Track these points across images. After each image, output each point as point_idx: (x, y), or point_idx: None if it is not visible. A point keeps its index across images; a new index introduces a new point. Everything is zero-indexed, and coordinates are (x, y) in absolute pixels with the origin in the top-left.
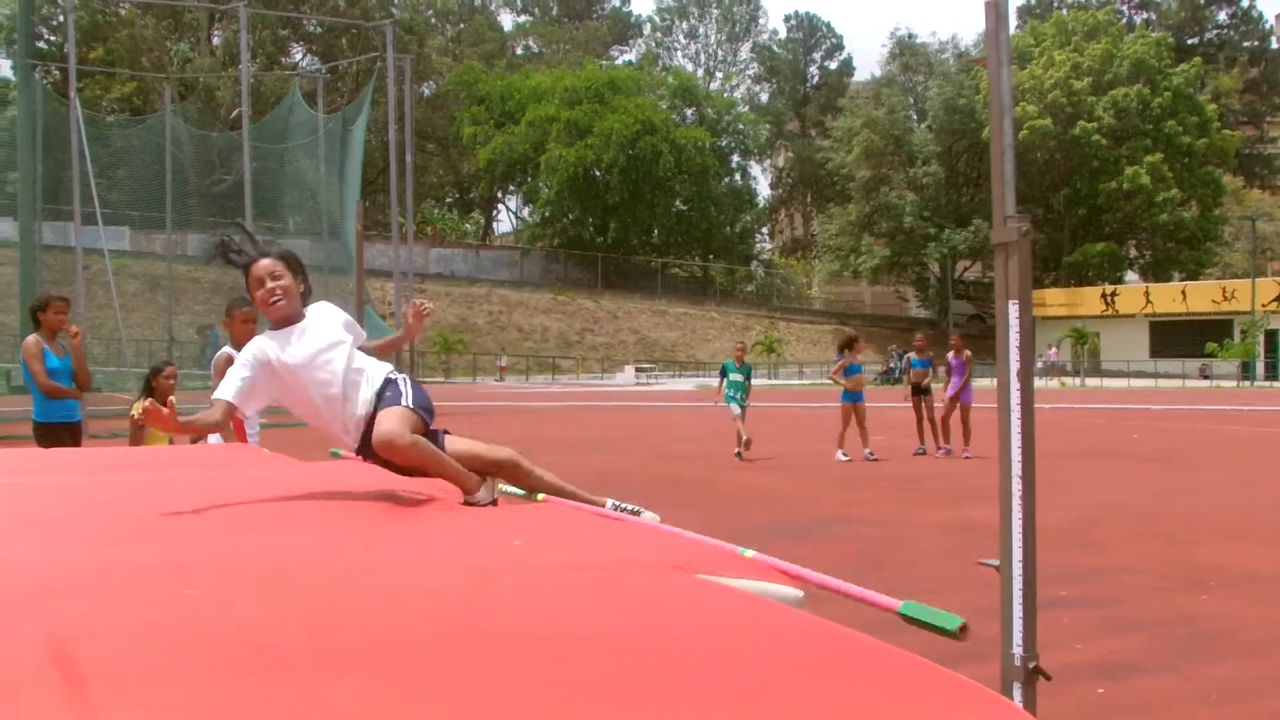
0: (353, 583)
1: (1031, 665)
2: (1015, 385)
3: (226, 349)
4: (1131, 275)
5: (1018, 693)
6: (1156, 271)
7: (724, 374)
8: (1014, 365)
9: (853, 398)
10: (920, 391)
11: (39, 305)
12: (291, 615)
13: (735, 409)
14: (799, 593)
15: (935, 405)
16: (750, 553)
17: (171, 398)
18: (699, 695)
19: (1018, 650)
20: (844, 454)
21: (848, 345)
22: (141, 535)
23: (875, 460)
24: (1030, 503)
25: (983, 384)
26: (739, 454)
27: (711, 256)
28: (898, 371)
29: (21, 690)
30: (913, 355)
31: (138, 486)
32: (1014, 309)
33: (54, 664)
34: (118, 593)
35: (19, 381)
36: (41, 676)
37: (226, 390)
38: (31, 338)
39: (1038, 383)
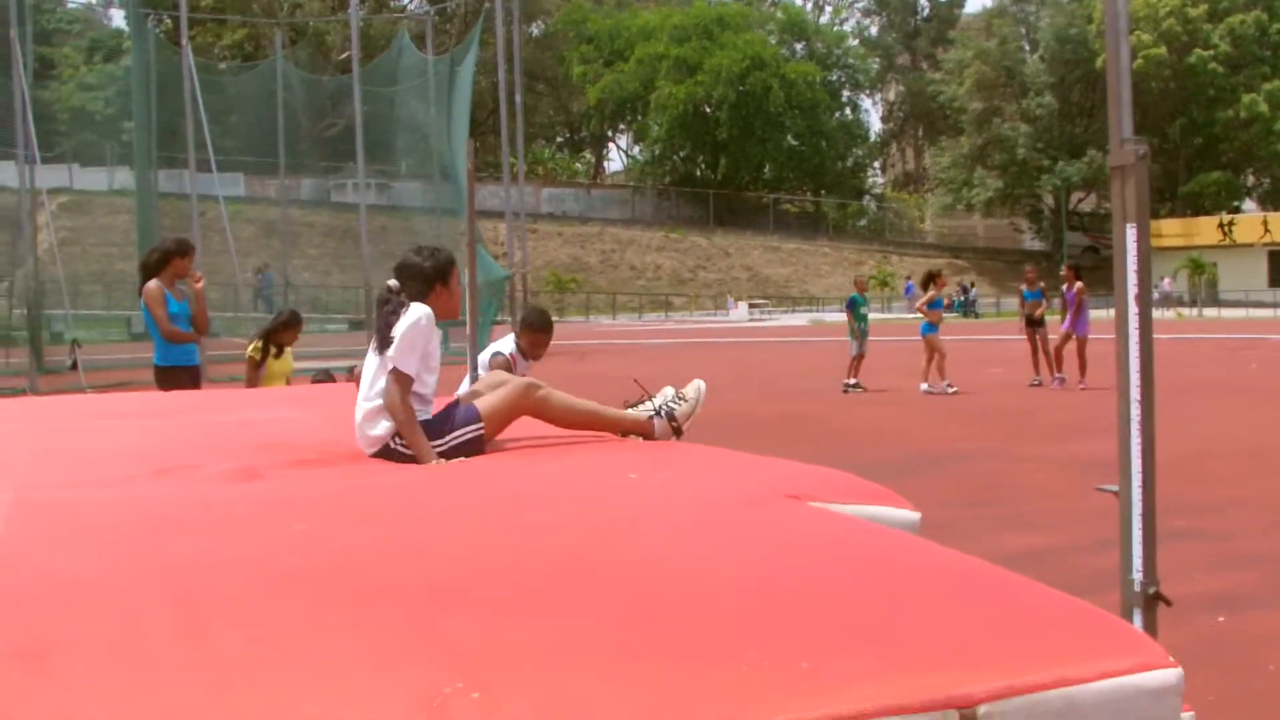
0: (464, 518)
1: (1152, 591)
2: (1133, 310)
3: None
4: (1249, 204)
5: (1138, 618)
6: (1275, 200)
7: (853, 307)
8: (1132, 290)
9: (933, 329)
10: (1033, 324)
11: (179, 250)
12: (401, 550)
13: (857, 344)
14: (915, 515)
15: (1050, 337)
16: None
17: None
18: (822, 626)
19: (1137, 576)
20: (927, 386)
21: (931, 280)
22: (255, 473)
23: (955, 393)
24: (1150, 427)
25: (1099, 315)
26: (854, 386)
27: (823, 192)
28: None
29: (141, 622)
30: (1024, 287)
31: (253, 427)
32: (1131, 232)
33: (170, 597)
34: (231, 529)
35: (140, 329)
36: (159, 609)
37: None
38: (153, 282)
39: (1153, 314)
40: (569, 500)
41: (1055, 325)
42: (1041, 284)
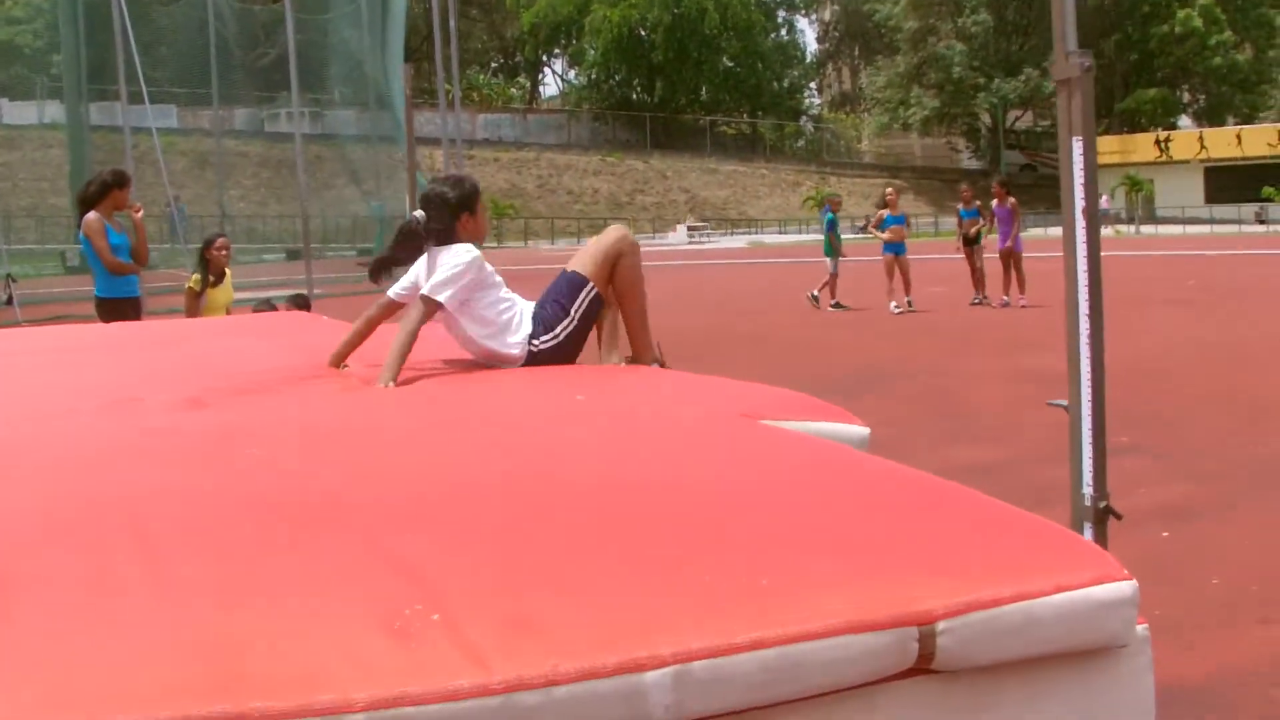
0: (419, 442)
1: (1102, 505)
2: (1081, 223)
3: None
4: (1185, 121)
5: (1088, 532)
6: (1211, 116)
7: (832, 227)
8: (1079, 204)
9: (893, 249)
10: (970, 242)
11: (117, 181)
12: (355, 474)
13: (833, 263)
14: (865, 430)
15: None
16: None
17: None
18: (781, 542)
19: (1088, 491)
20: (895, 306)
21: (885, 200)
22: (207, 401)
23: (914, 311)
24: (1099, 342)
25: (1037, 233)
26: (837, 306)
27: (760, 113)
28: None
29: (99, 552)
30: (960, 206)
31: (203, 356)
32: (1078, 146)
33: (127, 527)
34: (184, 456)
35: (74, 262)
36: (116, 538)
37: None
38: (93, 215)
39: None
40: (522, 423)
41: (993, 243)
42: (978, 202)
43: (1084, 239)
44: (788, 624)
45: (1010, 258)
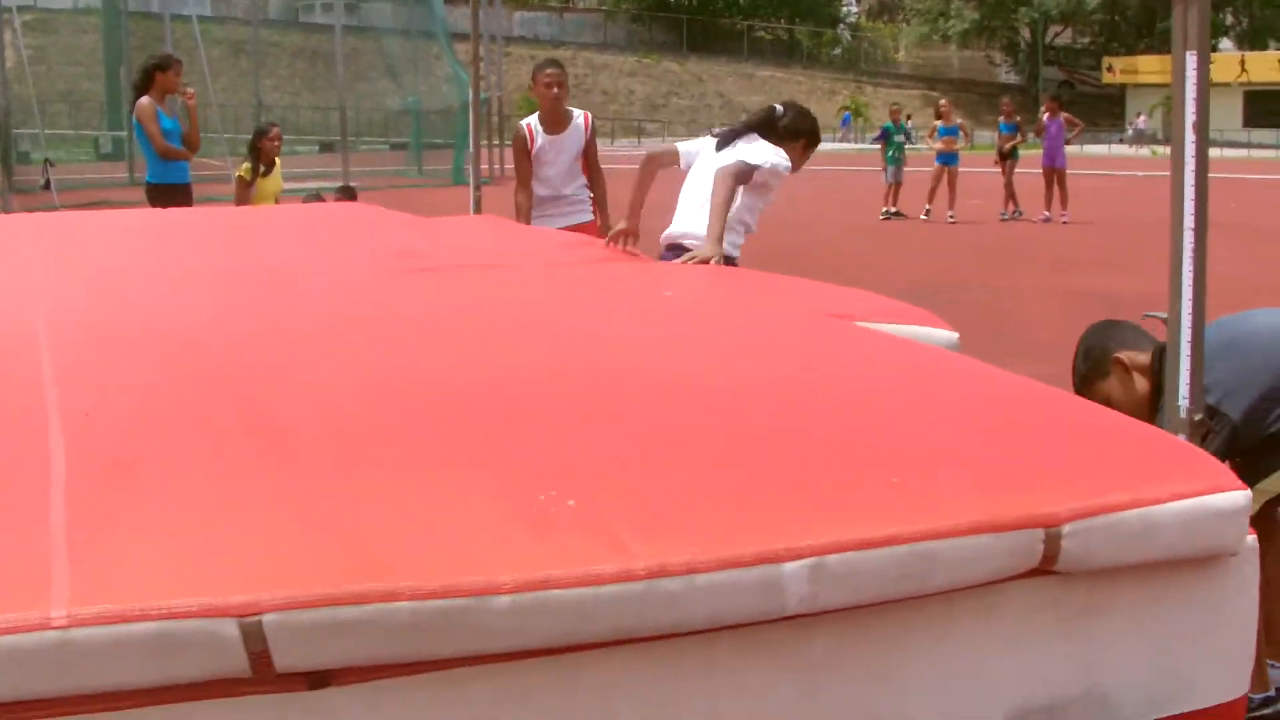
0: (518, 339)
1: (1197, 417)
2: (1191, 138)
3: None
4: (1226, 43)
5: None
6: (1253, 40)
7: (887, 136)
8: (1190, 118)
9: (944, 160)
10: (1006, 156)
11: (159, 65)
12: (467, 368)
13: (892, 172)
14: (954, 335)
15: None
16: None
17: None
18: (906, 444)
19: (1184, 403)
20: (950, 215)
21: (938, 114)
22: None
23: (955, 223)
24: (1202, 256)
25: (1070, 150)
26: (894, 214)
27: (797, 19)
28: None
29: (220, 434)
30: (1001, 119)
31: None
32: (1191, 60)
33: (244, 411)
34: (300, 345)
35: (107, 149)
36: (235, 422)
37: None
38: (145, 99)
39: (1128, 150)
40: (607, 318)
41: (1032, 159)
42: (1017, 118)
43: (1193, 153)
44: (920, 522)
45: (1054, 174)
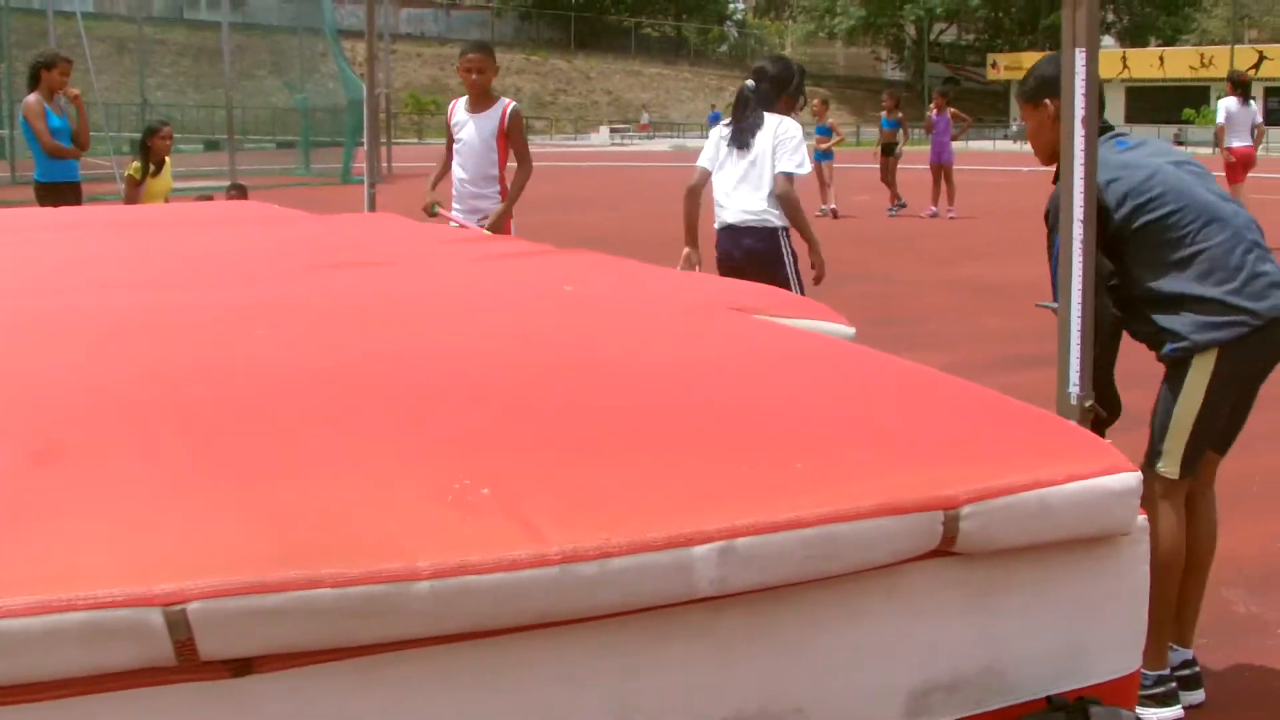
0: (438, 326)
1: (1088, 404)
2: (1080, 132)
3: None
4: (1108, 40)
5: None
6: (1134, 36)
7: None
8: (1079, 113)
9: (819, 156)
10: (888, 152)
11: (45, 63)
12: (387, 355)
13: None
14: (850, 330)
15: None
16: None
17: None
18: (809, 428)
19: (1074, 390)
20: (823, 208)
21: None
22: (186, 281)
23: (834, 216)
24: (1090, 246)
25: (955, 146)
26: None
27: (684, 16)
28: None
29: (146, 423)
30: (883, 115)
31: (156, 242)
32: (1080, 56)
33: (168, 399)
34: (209, 334)
35: None
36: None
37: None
38: (33, 97)
39: (1013, 146)
40: (503, 308)
41: (919, 154)
42: (899, 113)
43: (1082, 147)
44: (823, 505)
45: (941, 169)
